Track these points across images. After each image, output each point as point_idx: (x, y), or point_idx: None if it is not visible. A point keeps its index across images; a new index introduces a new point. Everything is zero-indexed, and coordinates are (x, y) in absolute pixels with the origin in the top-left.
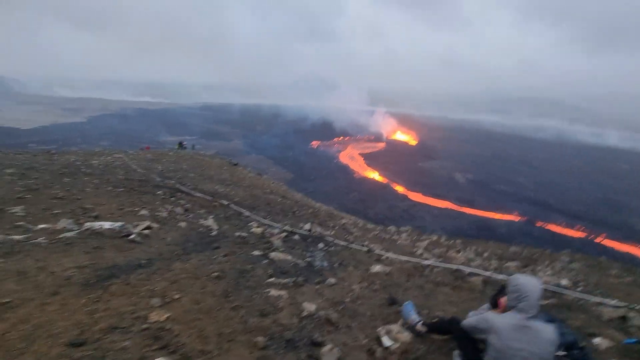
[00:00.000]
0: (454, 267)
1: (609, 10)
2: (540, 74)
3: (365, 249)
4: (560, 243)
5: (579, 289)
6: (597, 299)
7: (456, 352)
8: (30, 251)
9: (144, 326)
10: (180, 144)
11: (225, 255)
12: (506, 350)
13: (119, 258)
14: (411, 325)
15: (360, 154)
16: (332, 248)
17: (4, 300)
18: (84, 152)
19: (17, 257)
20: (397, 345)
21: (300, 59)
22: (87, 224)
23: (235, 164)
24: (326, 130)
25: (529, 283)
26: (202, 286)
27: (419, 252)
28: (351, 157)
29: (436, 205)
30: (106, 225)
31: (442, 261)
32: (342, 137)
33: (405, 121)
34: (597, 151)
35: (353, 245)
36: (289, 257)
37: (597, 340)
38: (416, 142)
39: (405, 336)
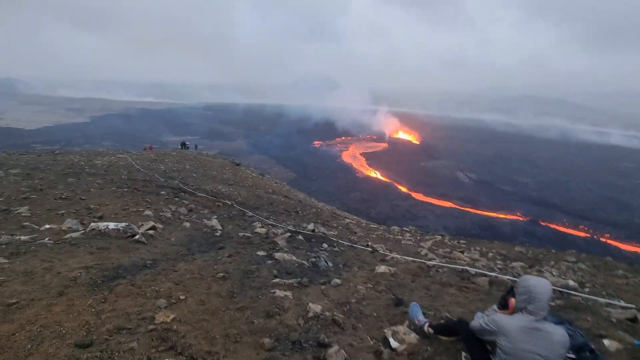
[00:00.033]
0: (460, 267)
1: (612, 8)
2: (543, 73)
3: (369, 249)
4: (564, 242)
5: (586, 289)
6: (606, 300)
7: (464, 354)
8: (37, 252)
9: (151, 327)
10: (183, 144)
11: (229, 256)
12: (516, 352)
13: (124, 259)
14: (418, 326)
15: (363, 154)
16: (336, 248)
17: (11, 301)
18: (88, 153)
19: (24, 258)
20: (404, 346)
21: (303, 58)
22: (92, 225)
23: (238, 164)
24: (328, 130)
25: (539, 284)
26: (208, 287)
27: (424, 252)
28: (353, 157)
29: (439, 204)
30: (111, 225)
31: (447, 262)
32: (344, 137)
33: (408, 120)
34: (601, 150)
35: (357, 246)
36: (294, 258)
37: (606, 342)
38: (419, 142)
39: (412, 337)
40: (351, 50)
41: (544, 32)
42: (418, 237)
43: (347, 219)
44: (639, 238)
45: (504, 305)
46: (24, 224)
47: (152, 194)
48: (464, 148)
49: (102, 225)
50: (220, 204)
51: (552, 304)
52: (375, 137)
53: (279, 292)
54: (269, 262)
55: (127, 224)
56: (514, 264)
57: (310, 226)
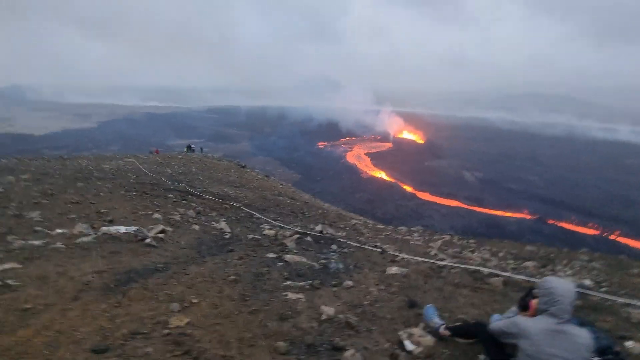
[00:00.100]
0: (472, 268)
1: (618, 2)
2: (549, 70)
3: (379, 249)
4: (573, 241)
5: (603, 289)
6: (625, 300)
7: (482, 357)
8: (50, 256)
9: (165, 331)
10: (189, 147)
11: (240, 258)
12: (539, 355)
13: (135, 262)
14: (434, 328)
15: (367, 154)
16: (345, 249)
17: (27, 306)
18: (96, 157)
19: (37, 263)
20: (420, 349)
21: (305, 60)
22: (103, 229)
23: (243, 166)
24: (332, 130)
25: (562, 286)
26: (220, 290)
27: (433, 252)
28: (358, 157)
29: (445, 204)
30: (122, 229)
31: (458, 262)
32: (348, 138)
33: (412, 120)
34: (609, 146)
35: (366, 247)
36: (304, 260)
37: (629, 344)
38: (423, 141)
39: (428, 340)
40: (353, 50)
41: (549, 29)
42: (426, 237)
43: (353, 220)
44: None
45: (524, 307)
46: (36, 228)
47: (160, 197)
48: (468, 147)
49: (112, 229)
50: (227, 206)
51: None
52: (379, 137)
53: (291, 295)
54: (279, 264)
55: (137, 227)
56: (526, 263)
57: (318, 227)
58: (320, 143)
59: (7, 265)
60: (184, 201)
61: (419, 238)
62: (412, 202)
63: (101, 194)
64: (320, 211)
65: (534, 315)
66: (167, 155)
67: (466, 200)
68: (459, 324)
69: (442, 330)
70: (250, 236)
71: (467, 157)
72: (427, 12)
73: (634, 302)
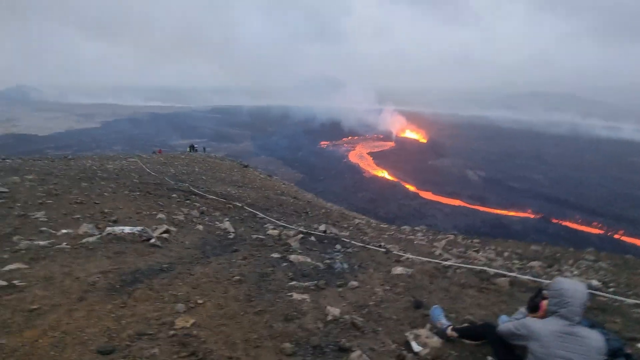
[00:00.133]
0: (478, 268)
1: (622, 0)
2: (553, 68)
3: (383, 249)
4: (577, 240)
5: (610, 289)
6: (634, 301)
7: (490, 359)
8: (55, 257)
9: (171, 332)
10: (192, 147)
11: (244, 258)
12: (550, 358)
13: (140, 263)
14: (440, 330)
15: (369, 153)
16: (350, 249)
17: (33, 307)
18: (99, 157)
19: (43, 263)
20: (427, 350)
21: (308, 60)
22: (108, 229)
23: (246, 166)
24: (335, 130)
25: (573, 287)
26: (225, 290)
27: (438, 252)
28: (360, 157)
29: (448, 203)
30: (126, 229)
31: (463, 262)
32: (350, 137)
33: (415, 119)
34: (613, 145)
35: (370, 246)
36: (308, 260)
37: None
38: (426, 140)
39: (435, 341)
40: (355, 50)
41: (552, 27)
42: (430, 237)
43: (356, 219)
44: None
45: (533, 309)
46: (42, 228)
47: (164, 197)
48: (472, 146)
49: (117, 229)
50: (230, 206)
51: None
52: (381, 137)
53: (296, 295)
54: (284, 264)
55: (142, 227)
56: (532, 263)
57: (322, 227)
58: (322, 142)
59: (13, 266)
60: (187, 201)
61: (422, 238)
62: (414, 202)
63: (105, 194)
64: (323, 211)
65: (544, 316)
66: (170, 155)
67: (469, 199)
68: (466, 325)
69: (449, 331)
70: (254, 236)
71: (470, 156)
72: (430, 11)
73: None
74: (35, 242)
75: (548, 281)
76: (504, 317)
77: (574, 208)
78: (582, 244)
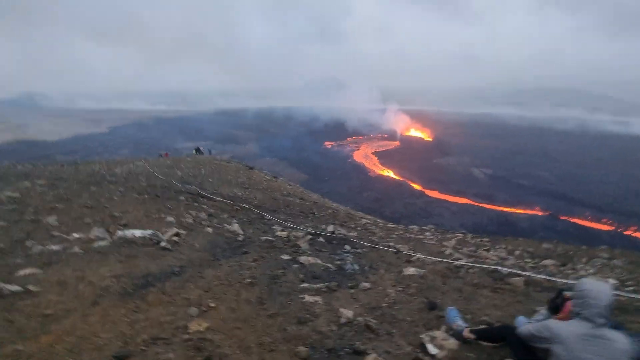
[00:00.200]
0: (490, 267)
1: None
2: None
3: (392, 249)
4: (587, 237)
5: (629, 288)
6: None
7: None
8: (68, 261)
9: (185, 337)
10: (198, 150)
11: (254, 260)
12: None
13: (152, 266)
14: (457, 331)
15: (374, 153)
16: (359, 250)
17: (48, 312)
18: (107, 161)
19: (56, 268)
20: (443, 352)
21: (311, 61)
22: (119, 233)
23: (252, 168)
24: (339, 130)
25: (597, 289)
26: (236, 293)
27: (448, 251)
28: (365, 156)
29: (454, 201)
30: (137, 233)
31: (475, 261)
32: (355, 137)
33: (419, 118)
34: (622, 140)
35: (380, 247)
36: (319, 261)
37: None
38: (431, 139)
39: (451, 343)
40: (358, 49)
41: (558, 22)
42: (439, 236)
43: (363, 219)
44: None
45: (554, 310)
46: (54, 233)
47: (172, 200)
48: (477, 143)
49: (128, 233)
50: (238, 207)
51: None
52: (386, 136)
53: (308, 298)
54: (294, 266)
55: (152, 231)
56: (545, 262)
57: (330, 228)
58: (327, 143)
59: (27, 271)
60: (195, 203)
61: (431, 237)
62: (420, 200)
63: (114, 197)
64: (330, 211)
65: (567, 318)
66: (177, 158)
67: (476, 197)
68: (484, 326)
69: (466, 333)
70: (263, 238)
71: (476, 153)
72: (431, 9)
73: None
74: (48, 247)
75: (563, 280)
76: (521, 318)
77: (582, 205)
78: (592, 241)
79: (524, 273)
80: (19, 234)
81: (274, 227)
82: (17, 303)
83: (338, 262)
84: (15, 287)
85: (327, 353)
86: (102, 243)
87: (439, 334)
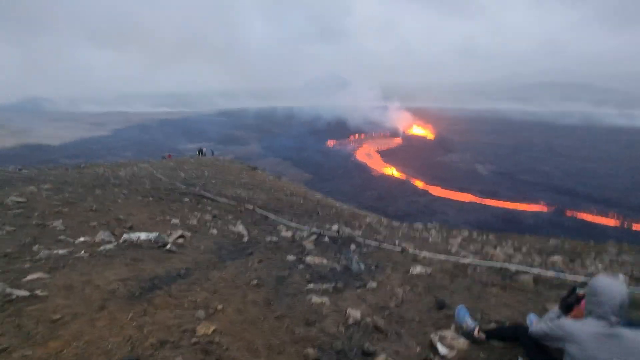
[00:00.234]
0: (499, 265)
1: None
2: (562, 57)
3: (398, 248)
4: (593, 232)
5: None
6: None
7: None
8: (74, 265)
9: (193, 340)
10: (200, 151)
11: (260, 262)
12: None
13: (158, 269)
14: (467, 331)
15: (377, 151)
16: (365, 249)
17: (56, 317)
18: (111, 164)
19: (63, 272)
20: (453, 352)
21: (312, 60)
22: (125, 236)
23: (254, 168)
24: (341, 129)
25: (610, 286)
26: (243, 295)
27: (454, 249)
28: (368, 155)
29: (458, 199)
30: (142, 236)
31: (482, 259)
32: (357, 135)
33: (422, 115)
34: (628, 133)
35: (385, 246)
36: (325, 261)
37: None
38: (434, 136)
39: (462, 343)
40: (359, 47)
41: (561, 14)
42: (444, 234)
43: (367, 218)
44: None
45: (567, 309)
46: (60, 237)
47: (176, 202)
48: (481, 140)
49: (133, 236)
50: (242, 208)
51: None
52: (389, 134)
53: (315, 298)
54: (300, 266)
55: (157, 233)
56: (553, 258)
57: (335, 227)
58: (329, 142)
59: (34, 275)
60: (199, 205)
61: (437, 235)
62: (424, 198)
63: (119, 200)
64: (333, 210)
65: (581, 317)
66: (180, 160)
67: (480, 194)
68: (495, 326)
69: (476, 332)
70: (268, 239)
71: (479, 150)
72: (432, 4)
73: None
74: (55, 251)
75: (573, 276)
76: (532, 317)
77: (588, 200)
78: (599, 236)
79: (532, 270)
80: (26, 238)
81: (278, 227)
82: (25, 308)
83: (344, 262)
84: (23, 292)
85: (336, 355)
86: (108, 246)
87: (449, 333)
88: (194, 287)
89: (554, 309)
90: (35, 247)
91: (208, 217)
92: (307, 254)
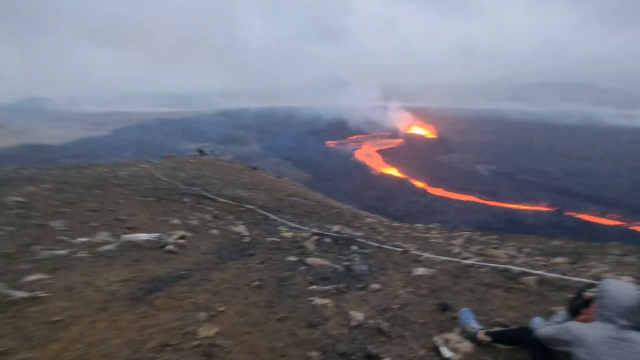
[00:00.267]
0: (501, 266)
1: None
2: (562, 57)
3: (400, 249)
4: (595, 233)
5: None
6: None
7: None
8: (75, 266)
9: (195, 343)
10: (201, 151)
11: (261, 263)
12: None
13: (159, 270)
14: (471, 333)
15: (377, 151)
16: (366, 250)
17: (56, 319)
18: (111, 164)
19: (63, 273)
20: (458, 356)
21: (312, 59)
22: (125, 236)
23: (255, 168)
24: (341, 129)
25: (621, 289)
26: (245, 297)
27: (456, 250)
28: (368, 155)
29: (458, 199)
30: (143, 236)
31: (484, 260)
32: (357, 135)
33: (422, 115)
34: (629, 133)
35: (386, 246)
36: (327, 262)
37: None
38: (434, 136)
39: (466, 346)
40: (359, 48)
41: (561, 14)
42: (446, 235)
43: (368, 218)
44: None
45: (575, 311)
46: (60, 237)
47: (176, 202)
48: (481, 140)
49: (134, 236)
50: (243, 209)
51: None
52: (389, 134)
53: (317, 300)
54: (302, 267)
55: (158, 234)
56: (556, 259)
57: (336, 227)
58: (329, 142)
59: (35, 277)
60: (200, 205)
61: (438, 235)
62: (424, 198)
63: (119, 200)
64: (334, 210)
65: (589, 320)
66: (180, 160)
67: (480, 194)
68: (499, 328)
69: (481, 335)
70: (269, 239)
71: (479, 150)
72: (433, 4)
73: None
74: (55, 252)
75: (577, 278)
76: (537, 319)
77: (589, 200)
78: (600, 236)
79: (536, 272)
80: (26, 238)
81: (279, 228)
82: (25, 310)
83: (346, 263)
84: (23, 293)
85: (339, 357)
86: (109, 247)
87: (453, 336)
88: (195, 289)
89: (561, 311)
90: (35, 248)
91: (209, 217)
92: (309, 255)
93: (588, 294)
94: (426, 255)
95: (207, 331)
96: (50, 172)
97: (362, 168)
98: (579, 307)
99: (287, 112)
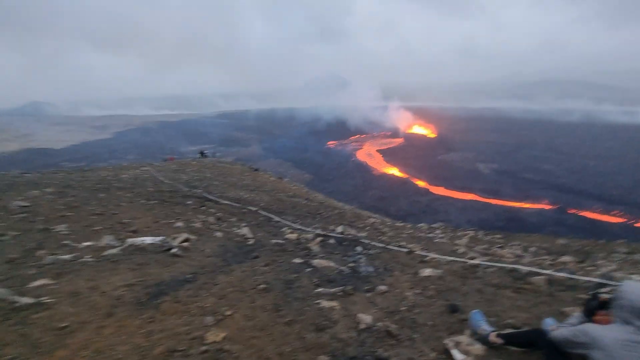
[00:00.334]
0: (509, 266)
1: None
2: (563, 54)
3: (405, 249)
4: (598, 230)
5: None
6: None
7: None
8: (80, 271)
9: (203, 348)
10: (202, 153)
11: (266, 265)
12: None
13: (164, 274)
14: (482, 336)
15: (378, 151)
16: (371, 251)
17: (63, 325)
18: (114, 167)
19: (69, 278)
20: (470, 359)
21: (312, 60)
22: (129, 240)
23: (256, 169)
24: (342, 129)
25: (636, 290)
26: (251, 300)
27: (461, 250)
28: (369, 155)
29: (460, 198)
30: (147, 240)
31: (490, 259)
32: (358, 135)
33: (423, 114)
34: (630, 130)
35: (391, 247)
36: (332, 264)
37: None
38: (435, 135)
39: (477, 348)
40: (359, 48)
41: (560, 12)
42: (450, 234)
43: (371, 219)
44: None
45: (590, 313)
46: (64, 242)
47: (179, 205)
48: (482, 138)
49: (138, 240)
50: (245, 210)
51: None
52: (389, 134)
53: (324, 303)
54: (308, 269)
55: (162, 237)
56: (563, 258)
57: (340, 228)
58: (330, 142)
59: (40, 282)
60: (202, 207)
61: (442, 235)
62: (425, 198)
63: (122, 204)
64: (336, 211)
65: (605, 322)
66: (182, 162)
67: (482, 193)
68: (512, 330)
69: (492, 337)
70: (273, 241)
71: (481, 149)
72: (433, 4)
73: None
74: (60, 257)
75: (586, 278)
76: (548, 321)
77: (592, 197)
78: (603, 234)
79: (544, 272)
80: (30, 243)
81: (282, 229)
82: (30, 316)
83: (351, 265)
84: (28, 300)
85: None
86: (113, 251)
87: (464, 338)
88: (201, 292)
89: (576, 313)
90: (40, 253)
91: (212, 219)
92: (314, 257)
93: (604, 295)
94: (432, 255)
95: (214, 336)
96: (53, 176)
97: (363, 168)
98: (594, 308)
99: (287, 113)
